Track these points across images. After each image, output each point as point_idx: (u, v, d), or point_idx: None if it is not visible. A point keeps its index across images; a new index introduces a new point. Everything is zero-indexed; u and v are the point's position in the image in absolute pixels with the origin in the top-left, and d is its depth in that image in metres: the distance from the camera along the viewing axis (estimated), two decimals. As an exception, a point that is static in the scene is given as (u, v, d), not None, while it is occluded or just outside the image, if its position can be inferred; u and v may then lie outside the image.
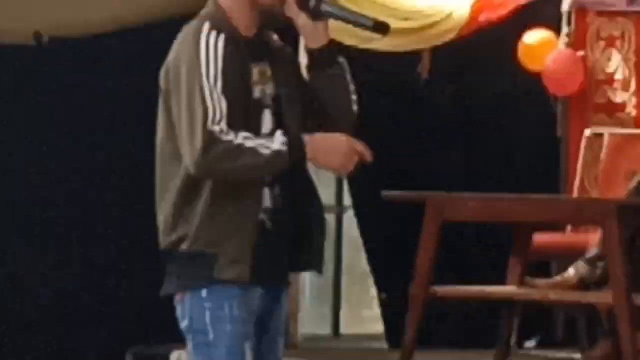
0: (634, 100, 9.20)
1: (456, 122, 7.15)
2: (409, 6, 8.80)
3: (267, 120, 4.81)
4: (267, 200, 4.87)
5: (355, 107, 4.96)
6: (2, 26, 9.32)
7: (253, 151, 4.62)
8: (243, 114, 4.76)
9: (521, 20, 9.33)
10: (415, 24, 8.82)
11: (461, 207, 7.30)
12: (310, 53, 4.84)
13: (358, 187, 9.84)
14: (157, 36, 8.94)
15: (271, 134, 4.78)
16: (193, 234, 4.75)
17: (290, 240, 4.96)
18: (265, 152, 4.60)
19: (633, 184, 7.78)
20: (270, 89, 4.81)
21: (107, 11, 9.13)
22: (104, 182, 10.13)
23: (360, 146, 4.69)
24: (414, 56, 8.86)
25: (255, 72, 4.77)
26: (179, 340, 6.80)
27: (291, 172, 4.90)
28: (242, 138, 4.65)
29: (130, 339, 9.61)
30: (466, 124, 8.47)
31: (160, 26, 9.26)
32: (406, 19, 8.74)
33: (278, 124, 4.84)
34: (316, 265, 5.01)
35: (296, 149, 4.60)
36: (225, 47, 4.65)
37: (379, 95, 8.97)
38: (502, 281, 7.62)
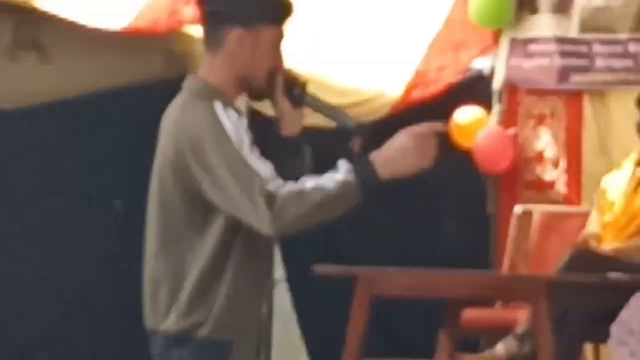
0: (563, 178, 9.20)
1: (389, 195, 7.29)
2: (344, 83, 8.84)
3: None
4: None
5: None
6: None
7: (317, 189, 4.51)
8: None
9: (453, 98, 9.29)
10: (349, 100, 8.80)
11: (391, 282, 7.18)
12: (280, 139, 4.83)
13: (292, 259, 9.60)
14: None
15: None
16: (215, 318, 4.66)
17: None
18: (332, 185, 4.49)
19: (562, 261, 7.73)
20: None
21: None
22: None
23: (422, 127, 4.44)
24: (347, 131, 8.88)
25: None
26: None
27: None
28: (300, 183, 4.59)
29: None
30: (398, 197, 8.30)
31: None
32: (340, 95, 8.64)
33: None
34: None
35: (364, 170, 4.44)
36: (239, 118, 4.65)
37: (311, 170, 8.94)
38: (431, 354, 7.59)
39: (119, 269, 9.29)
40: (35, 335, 9.30)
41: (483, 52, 9.57)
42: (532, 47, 9.41)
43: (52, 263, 9.45)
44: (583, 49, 9.25)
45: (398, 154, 4.40)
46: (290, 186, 4.52)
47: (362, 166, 4.41)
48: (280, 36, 4.82)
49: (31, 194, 9.23)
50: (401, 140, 4.40)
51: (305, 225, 4.58)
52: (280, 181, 4.56)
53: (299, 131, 4.83)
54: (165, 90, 8.57)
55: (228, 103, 4.70)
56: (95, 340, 9.44)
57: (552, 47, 9.34)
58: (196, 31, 8.59)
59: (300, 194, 4.48)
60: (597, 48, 9.21)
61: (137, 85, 9.29)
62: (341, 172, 4.43)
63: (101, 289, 9.55)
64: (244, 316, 4.76)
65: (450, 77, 9.55)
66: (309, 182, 4.51)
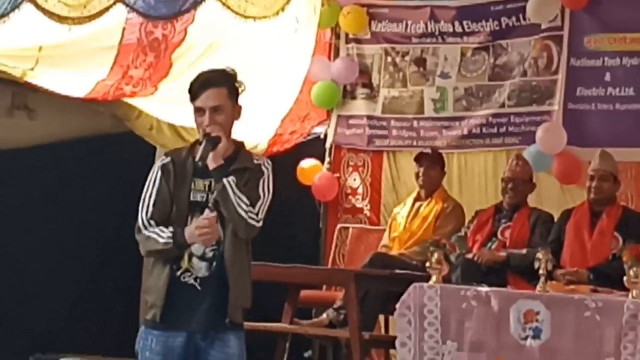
0: (368, 207, 9.29)
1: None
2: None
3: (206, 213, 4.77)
4: None
5: (246, 221, 4.73)
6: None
7: (151, 238, 4.74)
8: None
9: (300, 152, 9.44)
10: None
11: (260, 271, 6.57)
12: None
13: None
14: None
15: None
16: None
17: None
18: (160, 240, 4.70)
19: (365, 260, 7.90)
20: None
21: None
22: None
23: (200, 222, 4.62)
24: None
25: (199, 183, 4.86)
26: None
27: None
28: (151, 229, 4.79)
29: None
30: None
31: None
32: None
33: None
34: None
35: (179, 237, 4.66)
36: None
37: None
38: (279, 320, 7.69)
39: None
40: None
41: (320, 123, 9.53)
42: (351, 121, 9.37)
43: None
44: (384, 123, 9.21)
45: (191, 234, 4.60)
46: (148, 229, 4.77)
47: (179, 233, 4.63)
48: (195, 109, 4.85)
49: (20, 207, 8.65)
50: (192, 227, 4.63)
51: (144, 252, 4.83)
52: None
53: (215, 166, 4.70)
54: (112, 140, 8.81)
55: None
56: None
57: (364, 121, 9.29)
58: (132, 102, 8.47)
59: (145, 236, 4.74)
60: (393, 123, 9.17)
61: (92, 136, 8.97)
62: (167, 234, 4.66)
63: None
64: None
65: (298, 138, 9.54)
66: (153, 231, 4.73)
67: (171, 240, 4.72)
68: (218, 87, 4.84)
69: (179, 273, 4.83)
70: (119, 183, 8.63)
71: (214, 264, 4.82)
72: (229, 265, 4.82)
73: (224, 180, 4.74)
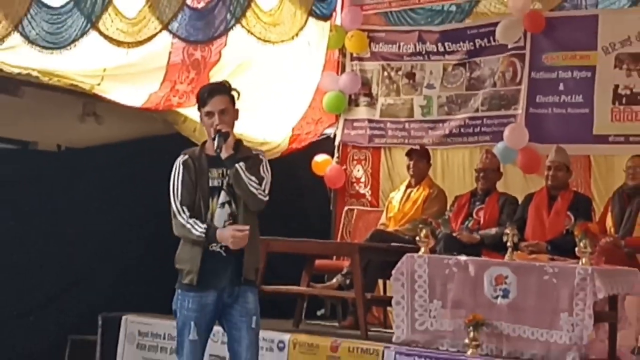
0: (369, 192, 9.28)
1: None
2: (249, 136, 8.26)
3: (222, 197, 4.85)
4: None
5: (257, 196, 4.82)
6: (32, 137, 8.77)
7: (187, 228, 4.82)
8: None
9: (314, 149, 9.39)
10: (259, 145, 8.35)
11: (282, 245, 7.37)
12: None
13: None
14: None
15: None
16: None
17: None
18: (195, 231, 4.78)
19: (367, 236, 7.90)
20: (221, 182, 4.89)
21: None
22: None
23: (236, 232, 4.70)
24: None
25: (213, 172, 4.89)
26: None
27: None
28: (189, 218, 4.84)
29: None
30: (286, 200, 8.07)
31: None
32: (253, 142, 8.26)
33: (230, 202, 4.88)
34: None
35: (211, 233, 4.75)
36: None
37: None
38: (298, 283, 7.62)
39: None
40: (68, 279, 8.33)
41: (330, 125, 9.47)
42: (355, 124, 9.33)
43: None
44: (381, 125, 9.20)
45: (224, 236, 4.69)
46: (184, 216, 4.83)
47: (212, 231, 4.72)
48: (206, 113, 4.90)
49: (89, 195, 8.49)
50: (228, 231, 4.70)
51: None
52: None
53: (227, 155, 4.80)
54: (163, 140, 8.69)
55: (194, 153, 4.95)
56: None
57: (365, 124, 9.26)
58: (179, 109, 8.47)
59: (182, 224, 4.84)
60: (388, 125, 9.16)
61: (148, 137, 8.97)
62: (201, 229, 4.74)
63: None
64: None
65: (312, 137, 9.45)
66: (188, 221, 4.80)
67: (203, 236, 4.79)
68: (223, 95, 4.92)
69: (209, 241, 4.85)
70: (168, 174, 8.71)
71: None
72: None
73: (236, 165, 4.81)
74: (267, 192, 4.89)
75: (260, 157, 5.00)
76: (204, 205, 4.89)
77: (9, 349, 7.82)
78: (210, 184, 4.91)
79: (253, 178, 4.82)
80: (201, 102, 4.95)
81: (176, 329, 4.98)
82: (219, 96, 4.91)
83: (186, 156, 4.99)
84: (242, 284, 4.85)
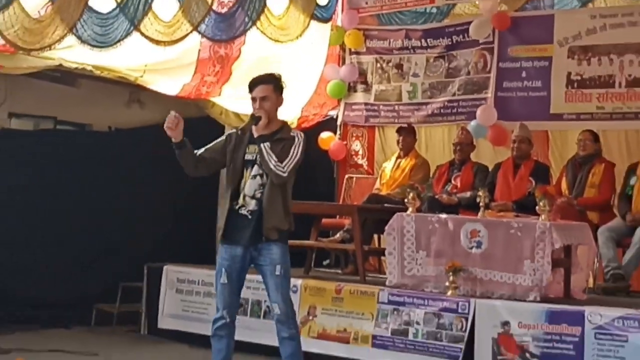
0: (365, 163, 9.18)
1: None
2: None
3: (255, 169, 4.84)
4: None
5: (275, 172, 4.76)
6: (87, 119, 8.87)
7: None
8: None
9: (320, 127, 9.30)
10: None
11: (295, 206, 6.71)
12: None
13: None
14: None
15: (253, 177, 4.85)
16: None
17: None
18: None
19: (364, 199, 7.90)
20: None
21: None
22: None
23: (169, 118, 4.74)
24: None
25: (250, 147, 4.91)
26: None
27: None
28: None
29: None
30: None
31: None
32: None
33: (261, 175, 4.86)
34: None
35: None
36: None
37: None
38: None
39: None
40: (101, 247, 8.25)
41: (333, 108, 9.31)
42: (354, 107, 9.21)
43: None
44: (375, 107, 9.11)
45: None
46: None
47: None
48: (251, 98, 4.89)
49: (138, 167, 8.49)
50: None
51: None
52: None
53: (257, 136, 4.80)
54: (195, 122, 8.71)
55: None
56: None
57: (362, 107, 9.16)
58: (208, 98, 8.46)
59: None
60: (381, 107, 9.08)
61: (184, 119, 8.99)
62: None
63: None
64: None
65: (318, 118, 9.31)
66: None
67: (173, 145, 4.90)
68: (266, 84, 4.87)
69: (237, 207, 4.86)
70: (200, 148, 8.75)
71: (259, 202, 4.83)
72: (266, 202, 4.82)
73: (261, 145, 4.79)
74: (287, 168, 4.81)
75: (296, 139, 4.89)
76: (238, 173, 4.89)
77: (77, 292, 7.90)
78: (246, 157, 4.90)
79: (273, 156, 4.77)
80: (249, 90, 4.93)
81: None
82: (261, 85, 4.86)
83: (234, 130, 5.05)
84: (265, 243, 4.82)
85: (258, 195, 4.84)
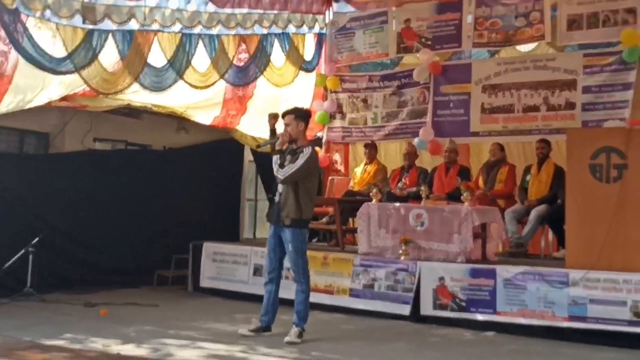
0: (343, 168, 8.86)
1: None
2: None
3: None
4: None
5: (276, 175, 4.72)
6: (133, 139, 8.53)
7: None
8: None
9: (311, 144, 9.09)
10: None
11: None
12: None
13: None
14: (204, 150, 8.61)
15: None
16: None
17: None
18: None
19: (342, 194, 7.76)
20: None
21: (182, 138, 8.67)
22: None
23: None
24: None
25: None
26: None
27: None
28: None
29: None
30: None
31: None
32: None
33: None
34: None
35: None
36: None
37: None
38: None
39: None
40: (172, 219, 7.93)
41: (319, 130, 8.96)
42: (334, 129, 8.82)
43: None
44: (349, 130, 8.68)
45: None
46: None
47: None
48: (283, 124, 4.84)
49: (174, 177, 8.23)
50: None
51: None
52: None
53: (278, 149, 4.78)
54: (224, 143, 8.54)
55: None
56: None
57: (340, 129, 8.79)
58: (235, 126, 8.21)
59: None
60: (353, 129, 8.62)
61: (215, 141, 8.63)
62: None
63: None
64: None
65: (309, 138, 8.31)
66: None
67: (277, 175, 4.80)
68: (289, 114, 4.84)
69: (273, 196, 4.89)
70: (228, 161, 8.66)
71: (280, 195, 4.82)
72: (283, 197, 4.80)
73: (274, 157, 4.81)
74: (285, 174, 4.74)
75: (305, 151, 4.82)
76: (274, 171, 4.91)
77: (143, 262, 7.76)
78: (275, 162, 4.88)
79: (276, 166, 4.75)
80: (282, 117, 4.89)
81: None
82: (288, 115, 4.82)
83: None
84: (282, 226, 4.79)
85: (280, 190, 4.81)
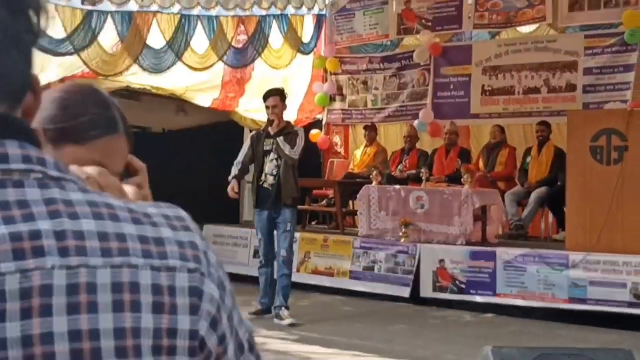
0: (343, 150, 8.87)
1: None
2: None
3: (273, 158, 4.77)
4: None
5: (290, 156, 4.73)
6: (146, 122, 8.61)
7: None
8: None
9: (310, 126, 8.67)
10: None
11: None
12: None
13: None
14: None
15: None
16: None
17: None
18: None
19: (342, 176, 7.75)
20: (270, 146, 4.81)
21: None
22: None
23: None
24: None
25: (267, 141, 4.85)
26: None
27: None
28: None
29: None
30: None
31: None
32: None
33: (277, 159, 4.79)
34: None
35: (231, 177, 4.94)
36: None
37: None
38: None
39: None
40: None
41: (319, 112, 8.98)
42: (334, 112, 8.80)
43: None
44: (349, 112, 8.71)
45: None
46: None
47: (232, 176, 4.90)
48: (265, 106, 4.84)
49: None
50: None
51: None
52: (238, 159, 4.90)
53: (272, 134, 4.77)
54: (223, 124, 8.52)
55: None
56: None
57: (340, 111, 8.78)
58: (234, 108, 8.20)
59: (234, 166, 4.92)
60: (353, 111, 8.66)
61: (214, 122, 8.56)
62: (232, 174, 4.83)
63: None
64: None
65: (309, 119, 8.89)
66: (234, 167, 4.94)
67: (230, 177, 4.93)
68: (274, 95, 4.84)
69: (261, 183, 4.86)
70: (228, 142, 8.35)
71: (276, 177, 4.83)
72: (282, 178, 4.82)
73: (277, 139, 4.80)
74: (296, 152, 4.82)
75: (299, 132, 4.92)
76: (260, 160, 4.88)
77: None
78: (265, 148, 4.87)
79: (288, 146, 4.78)
80: (263, 100, 4.89)
81: None
82: (272, 97, 4.81)
83: (254, 132, 5.04)
84: (282, 207, 4.82)
85: (274, 173, 4.82)
